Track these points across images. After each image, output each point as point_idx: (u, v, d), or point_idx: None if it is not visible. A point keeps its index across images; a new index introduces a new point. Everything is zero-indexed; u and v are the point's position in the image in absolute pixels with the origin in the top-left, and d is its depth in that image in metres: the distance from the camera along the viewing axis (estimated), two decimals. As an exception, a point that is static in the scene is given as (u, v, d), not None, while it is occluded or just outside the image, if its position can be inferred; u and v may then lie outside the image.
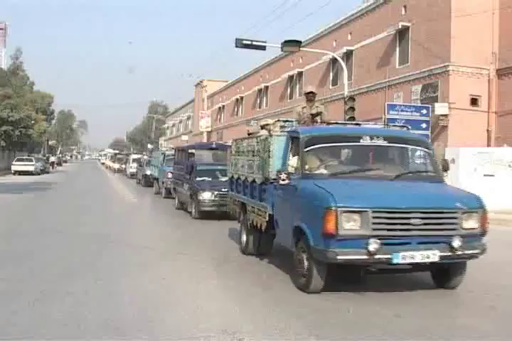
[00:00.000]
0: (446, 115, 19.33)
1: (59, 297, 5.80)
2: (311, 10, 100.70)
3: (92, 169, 61.71)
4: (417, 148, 7.36)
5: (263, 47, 19.26)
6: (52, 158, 59.01)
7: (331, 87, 27.91)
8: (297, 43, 18.64)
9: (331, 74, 28.43)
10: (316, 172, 6.68)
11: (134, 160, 37.82)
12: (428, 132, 17.68)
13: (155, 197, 21.67)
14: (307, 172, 6.65)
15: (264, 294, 6.22)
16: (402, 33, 22.42)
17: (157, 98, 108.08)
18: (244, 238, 8.76)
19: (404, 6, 22.19)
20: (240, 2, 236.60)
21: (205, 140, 48.18)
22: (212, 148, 17.24)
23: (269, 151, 7.37)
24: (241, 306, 5.67)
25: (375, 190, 6.13)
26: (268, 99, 38.47)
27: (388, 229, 5.74)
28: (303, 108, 8.55)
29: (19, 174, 38.20)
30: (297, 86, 33.07)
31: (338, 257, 5.63)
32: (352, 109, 17.08)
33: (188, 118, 63.53)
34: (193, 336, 4.64)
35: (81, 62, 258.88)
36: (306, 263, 6.16)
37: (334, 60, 25.35)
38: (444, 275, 6.49)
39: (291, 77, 33.72)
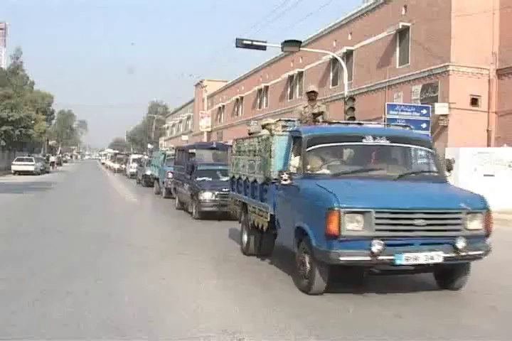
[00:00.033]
0: (446, 115, 19.33)
1: (59, 297, 5.80)
2: (311, 10, 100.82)
3: (92, 169, 61.69)
4: (420, 147, 7.29)
5: (263, 47, 19.28)
6: (53, 158, 58.91)
7: (331, 87, 27.91)
8: (297, 43, 18.65)
9: (331, 74, 28.42)
10: (318, 172, 6.62)
11: (134, 160, 37.83)
12: (428, 132, 17.64)
13: (155, 197, 21.66)
14: (309, 172, 6.60)
15: (264, 294, 6.21)
16: (402, 33, 22.42)
17: (157, 98, 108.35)
18: (245, 238, 8.70)
19: (405, 6, 22.19)
20: (240, 2, 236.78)
21: (205, 140, 48.16)
22: (212, 148, 17.21)
23: (271, 151, 7.32)
24: (241, 306, 5.66)
25: (378, 190, 6.06)
26: (268, 99, 38.47)
27: (391, 230, 5.65)
28: (305, 107, 8.46)
29: (19, 174, 38.18)
30: (297, 86, 33.07)
31: (341, 258, 5.57)
32: (352, 109, 17.09)
33: (188, 118, 63.54)
34: (193, 336, 4.64)
35: (81, 62, 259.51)
36: (308, 264, 6.10)
37: (334, 60, 25.35)
38: (447, 276, 6.43)
39: (291, 77, 33.72)
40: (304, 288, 6.19)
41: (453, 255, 5.74)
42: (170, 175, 19.53)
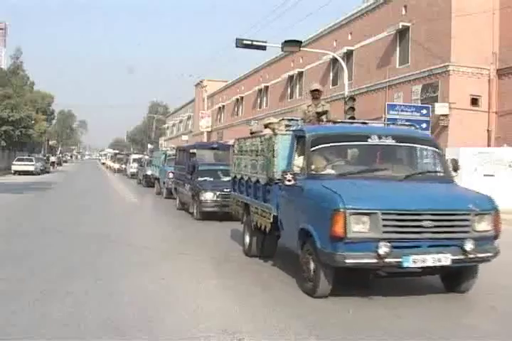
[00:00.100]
0: (446, 115, 19.34)
1: (59, 297, 5.80)
2: (311, 10, 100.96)
3: (92, 169, 61.68)
4: (427, 147, 7.12)
5: (263, 47, 19.28)
6: (53, 158, 58.93)
7: (331, 86, 27.89)
8: (297, 43, 18.65)
9: (331, 74, 28.43)
10: (322, 172, 6.48)
11: (135, 160, 37.80)
12: (428, 132, 17.63)
13: (156, 198, 21.64)
14: (313, 172, 6.46)
15: (264, 294, 6.21)
16: (402, 33, 22.43)
17: (157, 98, 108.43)
18: (247, 239, 8.57)
19: (405, 6, 22.20)
20: (240, 2, 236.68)
21: (205, 140, 48.16)
22: (213, 148, 17.15)
23: (274, 151, 7.19)
24: (241, 306, 5.66)
25: (384, 191, 5.91)
26: (268, 99, 38.48)
27: (398, 232, 5.51)
28: (308, 106, 8.27)
29: (19, 174, 38.17)
30: (297, 86, 33.09)
31: (347, 261, 5.44)
32: (352, 108, 17.08)
33: (189, 118, 63.56)
34: (193, 336, 4.64)
35: (81, 62, 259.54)
36: (312, 266, 5.97)
37: (334, 60, 25.35)
38: (454, 278, 6.30)
39: (291, 77, 33.73)
40: (308, 291, 6.06)
41: (461, 257, 5.61)
42: (171, 175, 19.51)
